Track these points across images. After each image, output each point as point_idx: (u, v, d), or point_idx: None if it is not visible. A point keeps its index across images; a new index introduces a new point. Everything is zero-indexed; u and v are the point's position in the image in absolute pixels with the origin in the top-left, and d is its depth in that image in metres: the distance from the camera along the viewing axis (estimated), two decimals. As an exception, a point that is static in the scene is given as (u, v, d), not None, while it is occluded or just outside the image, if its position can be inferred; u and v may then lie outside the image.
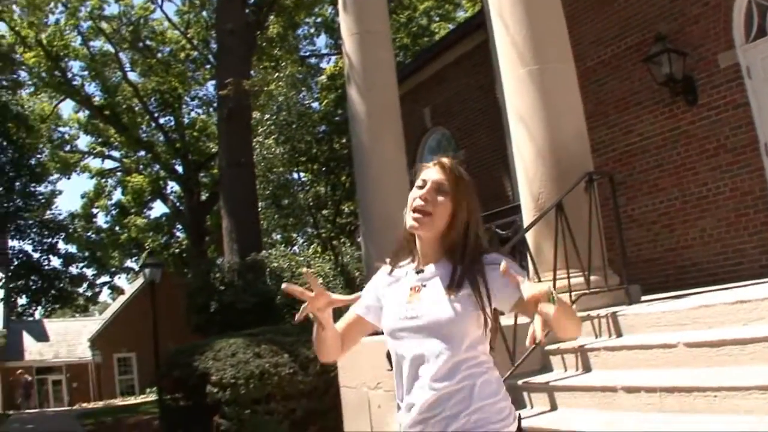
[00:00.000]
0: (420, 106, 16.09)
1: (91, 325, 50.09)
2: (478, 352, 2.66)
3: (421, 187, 2.75)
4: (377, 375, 6.52)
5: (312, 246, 15.74)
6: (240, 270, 14.33)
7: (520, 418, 2.75)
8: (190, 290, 15.59)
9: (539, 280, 6.64)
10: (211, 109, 34.58)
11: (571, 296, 6.77)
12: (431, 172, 2.77)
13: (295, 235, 27.51)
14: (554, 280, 6.67)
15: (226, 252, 15.98)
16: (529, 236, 7.17)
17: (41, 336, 48.46)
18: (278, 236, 26.11)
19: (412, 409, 2.65)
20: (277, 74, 20.25)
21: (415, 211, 2.71)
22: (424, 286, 2.74)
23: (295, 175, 22.35)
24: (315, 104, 24.15)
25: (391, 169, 10.03)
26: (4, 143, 23.90)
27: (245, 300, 13.01)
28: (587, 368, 6.16)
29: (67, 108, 45.31)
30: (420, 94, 16.16)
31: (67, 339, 49.46)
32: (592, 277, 7.07)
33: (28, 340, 47.62)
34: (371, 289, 2.96)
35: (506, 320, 6.36)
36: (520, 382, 6.25)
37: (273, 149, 20.25)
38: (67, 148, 35.32)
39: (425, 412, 2.61)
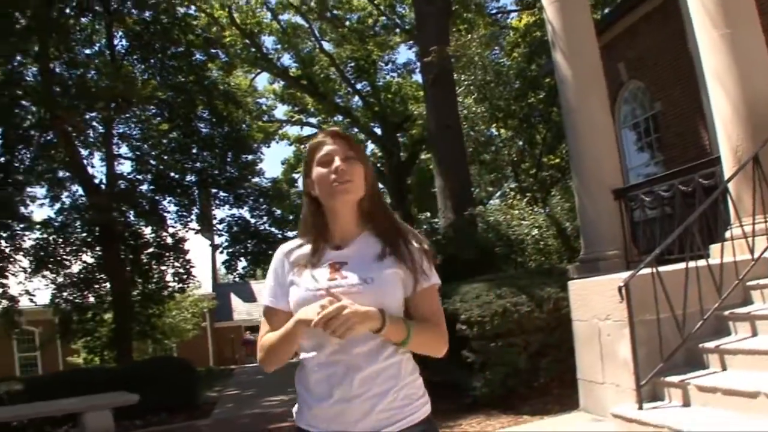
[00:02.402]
0: (614, 61, 16.05)
1: (294, 286, 51.92)
2: None
3: (325, 162, 2.70)
4: (607, 308, 7.39)
5: (522, 199, 16.11)
6: (459, 224, 15.20)
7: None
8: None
9: (741, 224, 7.60)
10: (405, 72, 35.56)
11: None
12: (331, 146, 2.72)
13: (490, 189, 27.85)
14: (753, 224, 7.52)
15: (441, 209, 16.59)
16: (731, 186, 7.86)
17: (248, 297, 50.31)
18: (478, 191, 26.68)
19: (334, 390, 2.57)
20: (469, 36, 20.93)
21: (336, 182, 2.66)
22: (347, 262, 2.68)
23: (494, 132, 22.94)
24: (504, 60, 24.63)
25: (597, 127, 10.58)
26: (214, 119, 25.55)
27: (468, 252, 13.71)
28: (785, 302, 6.91)
29: (261, 80, 47.29)
30: (614, 49, 16.15)
31: (273, 299, 51.67)
32: (785, 222, 7.76)
33: (236, 301, 49.75)
34: (272, 275, 2.85)
35: (713, 260, 7.38)
36: (726, 312, 7.08)
37: (473, 108, 21.07)
38: (265, 118, 36.88)
39: (353, 390, 2.55)
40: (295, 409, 2.78)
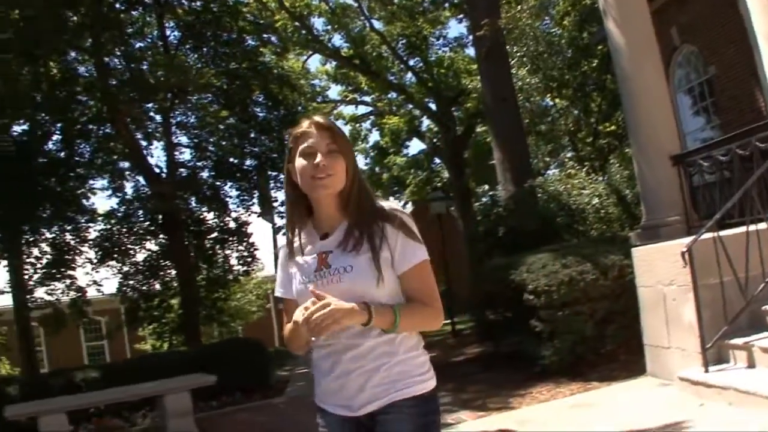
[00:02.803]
0: (666, 26, 15.81)
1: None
2: None
3: (308, 154, 2.76)
4: (671, 273, 7.54)
5: (581, 168, 16.03)
6: (520, 196, 15.20)
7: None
8: (481, 218, 16.85)
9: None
10: (457, 46, 35.44)
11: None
12: (314, 137, 2.77)
13: (548, 160, 27.70)
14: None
15: (500, 181, 16.59)
16: (789, 147, 7.88)
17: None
18: (536, 162, 26.58)
19: (335, 366, 2.75)
20: (519, 7, 20.83)
21: (317, 177, 2.73)
22: (331, 251, 2.79)
23: (549, 102, 22.98)
24: (556, 30, 24.44)
25: (653, 94, 10.54)
26: (269, 103, 25.67)
27: (530, 223, 13.81)
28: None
29: (313, 62, 47.48)
30: (665, 14, 15.90)
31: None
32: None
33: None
34: (279, 267, 3.04)
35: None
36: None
37: (527, 80, 21.08)
38: (320, 99, 36.77)
39: (349, 365, 2.73)
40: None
